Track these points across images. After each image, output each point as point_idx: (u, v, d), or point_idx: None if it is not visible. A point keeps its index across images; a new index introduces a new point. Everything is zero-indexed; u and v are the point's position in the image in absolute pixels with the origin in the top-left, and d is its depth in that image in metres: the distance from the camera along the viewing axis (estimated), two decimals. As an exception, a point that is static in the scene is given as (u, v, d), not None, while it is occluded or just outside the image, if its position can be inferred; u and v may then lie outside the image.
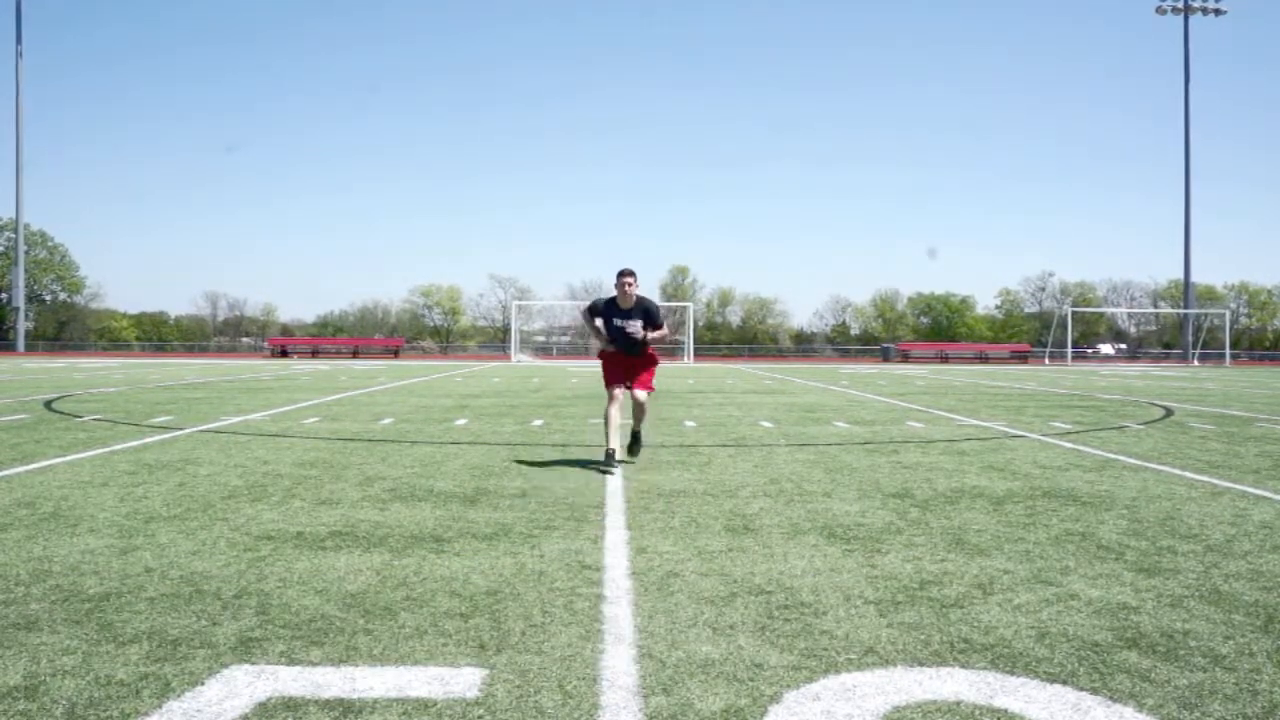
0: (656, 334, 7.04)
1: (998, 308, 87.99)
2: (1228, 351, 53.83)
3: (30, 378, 20.54)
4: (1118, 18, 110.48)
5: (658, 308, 7.11)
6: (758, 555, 4.10)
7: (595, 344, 7.45)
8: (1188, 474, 6.69)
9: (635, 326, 6.99)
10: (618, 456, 6.78)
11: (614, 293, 7.08)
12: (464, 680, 2.61)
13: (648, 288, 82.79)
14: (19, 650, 2.82)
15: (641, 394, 7.08)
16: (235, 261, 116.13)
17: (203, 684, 2.57)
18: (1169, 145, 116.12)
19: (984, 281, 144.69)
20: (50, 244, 76.73)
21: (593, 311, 7.22)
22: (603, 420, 7.01)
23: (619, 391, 7.03)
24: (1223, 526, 4.81)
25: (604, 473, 6.52)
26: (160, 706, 2.42)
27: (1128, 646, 2.94)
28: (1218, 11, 53.77)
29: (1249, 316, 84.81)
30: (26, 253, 64.49)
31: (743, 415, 11.68)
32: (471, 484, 5.98)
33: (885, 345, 61.48)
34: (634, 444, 7.21)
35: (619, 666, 2.73)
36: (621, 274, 6.96)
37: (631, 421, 7.24)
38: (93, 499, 5.31)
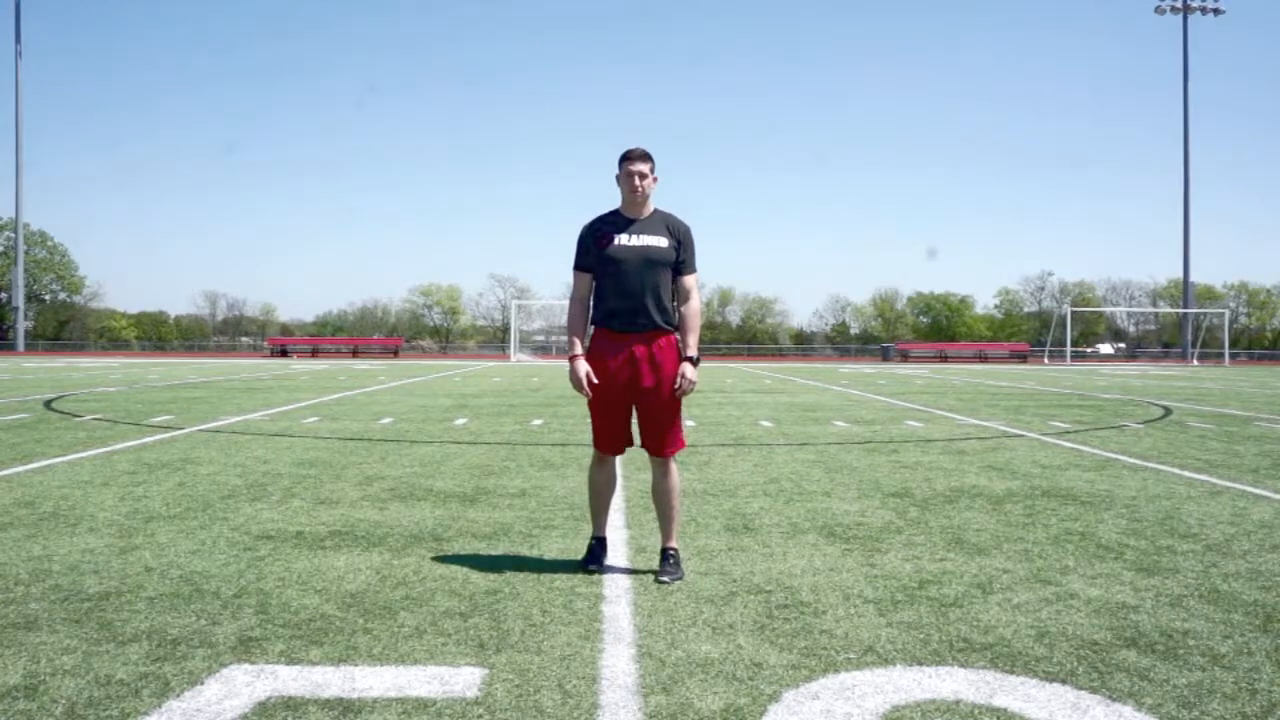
0: None
1: (997, 307, 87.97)
2: (1227, 351, 53.82)
3: (30, 377, 20.53)
4: (1117, 18, 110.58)
5: None
6: (757, 555, 4.10)
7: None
8: (1187, 473, 6.70)
9: None
10: None
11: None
12: (463, 680, 2.62)
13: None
14: (19, 649, 2.82)
15: None
16: (235, 261, 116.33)
17: (202, 683, 2.57)
18: (1168, 144, 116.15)
19: (983, 281, 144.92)
20: (50, 244, 76.70)
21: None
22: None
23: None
24: (1222, 526, 4.82)
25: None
26: (160, 706, 2.42)
27: (1127, 646, 2.94)
28: (1216, 11, 53.80)
29: (1248, 316, 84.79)
30: (26, 252, 64.50)
31: (742, 414, 11.68)
32: (471, 483, 5.98)
33: (885, 345, 61.44)
34: None
35: (618, 666, 2.73)
36: None
37: None
38: (93, 498, 5.32)
